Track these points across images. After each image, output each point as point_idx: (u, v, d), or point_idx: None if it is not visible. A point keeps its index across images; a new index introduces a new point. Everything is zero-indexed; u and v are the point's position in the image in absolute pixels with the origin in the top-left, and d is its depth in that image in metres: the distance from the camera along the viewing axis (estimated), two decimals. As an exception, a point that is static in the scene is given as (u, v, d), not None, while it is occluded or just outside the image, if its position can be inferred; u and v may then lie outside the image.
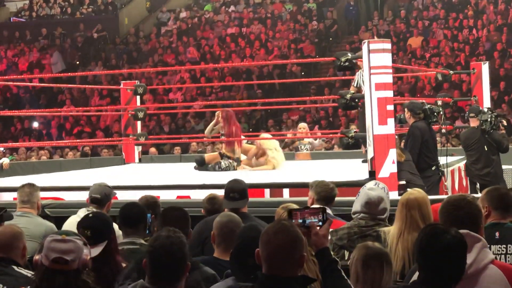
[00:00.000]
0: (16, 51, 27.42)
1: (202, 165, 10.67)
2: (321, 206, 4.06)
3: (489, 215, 4.56)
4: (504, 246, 4.51)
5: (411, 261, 4.56)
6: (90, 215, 4.64)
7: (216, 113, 11.07)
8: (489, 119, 9.94)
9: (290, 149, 14.99)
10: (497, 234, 4.46)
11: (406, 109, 9.18)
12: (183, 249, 3.53)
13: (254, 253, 3.55)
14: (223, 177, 8.85)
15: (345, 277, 3.64)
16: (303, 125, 13.35)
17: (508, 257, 4.47)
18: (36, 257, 3.69)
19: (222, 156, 10.58)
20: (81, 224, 4.46)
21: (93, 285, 3.71)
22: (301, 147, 13.13)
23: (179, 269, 3.51)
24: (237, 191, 6.01)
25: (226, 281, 3.86)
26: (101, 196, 6.40)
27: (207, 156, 10.94)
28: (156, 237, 3.55)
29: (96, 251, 4.17)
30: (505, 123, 10.68)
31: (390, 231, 4.81)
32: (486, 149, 10.01)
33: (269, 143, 10.61)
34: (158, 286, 3.47)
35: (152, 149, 16.75)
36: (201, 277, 4.04)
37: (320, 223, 3.74)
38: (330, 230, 4.32)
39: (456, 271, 3.41)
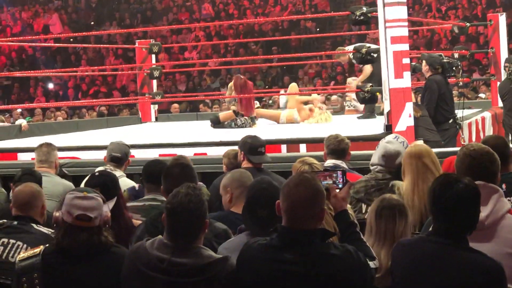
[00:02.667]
0: (30, 13, 27.38)
1: (217, 123, 10.69)
2: (341, 168, 4.05)
3: None
4: None
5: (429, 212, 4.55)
6: (97, 173, 4.68)
7: (228, 85, 11.15)
8: None
9: None
10: (503, 186, 4.41)
11: (424, 62, 9.11)
12: (201, 206, 3.53)
13: (265, 204, 3.56)
14: (238, 134, 8.86)
15: (364, 240, 3.65)
16: (350, 80, 13.17)
17: None
18: (57, 214, 3.71)
19: (236, 114, 10.59)
20: (89, 183, 4.50)
21: (114, 242, 3.73)
22: (347, 104, 13.13)
23: (197, 226, 3.51)
24: (262, 146, 6.13)
25: (240, 236, 3.86)
26: (121, 155, 6.43)
27: (222, 114, 10.95)
28: (175, 193, 3.55)
29: (109, 205, 4.20)
30: None
31: (403, 185, 4.78)
32: None
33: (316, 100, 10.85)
34: (176, 243, 3.48)
35: (175, 105, 16.77)
36: (211, 234, 4.04)
37: (340, 186, 3.74)
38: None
39: (469, 220, 3.41)
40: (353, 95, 12.70)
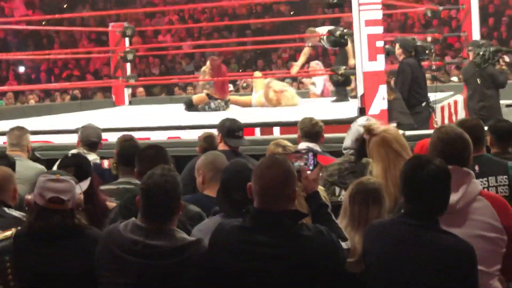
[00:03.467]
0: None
1: (190, 106, 10.67)
2: (311, 150, 4.05)
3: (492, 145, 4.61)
4: (486, 179, 4.55)
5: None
6: (69, 155, 4.68)
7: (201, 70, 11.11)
8: (482, 53, 9.80)
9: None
10: (476, 167, 4.45)
11: (397, 45, 9.14)
12: (177, 187, 3.53)
13: (240, 186, 3.56)
14: (212, 118, 8.86)
15: (335, 221, 3.64)
16: (313, 63, 13.21)
17: (491, 190, 4.49)
18: (29, 197, 3.69)
19: (210, 97, 10.56)
20: (62, 163, 4.49)
21: (87, 224, 3.72)
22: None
23: (172, 208, 3.51)
24: (240, 129, 6.17)
25: (214, 218, 3.86)
26: (98, 140, 6.44)
27: (195, 98, 10.91)
28: (150, 174, 3.54)
29: (83, 186, 4.18)
30: (507, 59, 10.45)
31: (374, 171, 4.73)
32: (479, 82, 9.87)
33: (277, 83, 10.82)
34: (150, 225, 3.47)
35: (140, 89, 16.64)
36: (185, 217, 4.03)
37: (311, 167, 3.74)
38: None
39: (440, 201, 3.43)
40: (313, 79, 12.86)
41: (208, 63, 10.94)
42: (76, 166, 4.38)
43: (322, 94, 13.07)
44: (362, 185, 3.97)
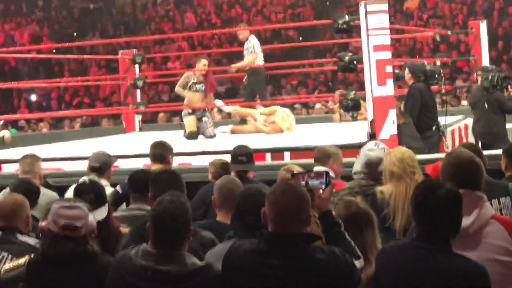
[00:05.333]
0: (12, 25, 27.30)
1: (192, 137, 10.77)
2: (324, 169, 4.06)
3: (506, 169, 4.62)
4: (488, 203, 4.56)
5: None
6: (87, 181, 4.69)
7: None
8: (490, 77, 9.79)
9: None
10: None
11: (406, 70, 9.15)
12: (186, 213, 3.55)
13: (253, 211, 3.58)
14: (225, 144, 8.88)
15: (349, 239, 3.65)
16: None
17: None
18: (42, 223, 3.72)
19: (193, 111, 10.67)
20: (81, 190, 4.50)
21: (99, 251, 3.74)
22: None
23: (182, 233, 3.52)
24: (244, 154, 6.15)
25: (227, 243, 3.86)
26: (100, 164, 6.45)
27: (188, 127, 10.93)
28: (159, 201, 3.56)
29: (102, 213, 4.22)
30: None
31: (391, 191, 4.78)
32: (486, 107, 9.87)
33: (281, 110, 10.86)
34: (160, 251, 3.48)
35: (161, 115, 16.73)
36: (198, 243, 4.04)
37: (323, 186, 3.75)
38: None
39: (452, 225, 3.43)
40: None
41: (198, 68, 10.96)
42: (95, 193, 4.41)
43: None
44: (350, 210, 3.95)
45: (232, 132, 11.23)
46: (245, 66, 11.96)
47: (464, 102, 15.56)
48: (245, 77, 11.97)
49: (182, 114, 10.86)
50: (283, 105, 11.71)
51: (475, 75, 10.77)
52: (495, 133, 9.77)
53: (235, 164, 6.16)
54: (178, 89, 11.09)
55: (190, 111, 10.75)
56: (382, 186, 4.87)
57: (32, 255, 3.73)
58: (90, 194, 4.32)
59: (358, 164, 5.20)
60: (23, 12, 28.04)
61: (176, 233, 3.51)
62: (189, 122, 10.89)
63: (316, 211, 3.75)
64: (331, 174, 5.74)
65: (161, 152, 6.48)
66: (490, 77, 9.73)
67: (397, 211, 4.65)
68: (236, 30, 11.92)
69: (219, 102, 11.82)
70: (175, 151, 9.02)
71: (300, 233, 3.36)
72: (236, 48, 21.15)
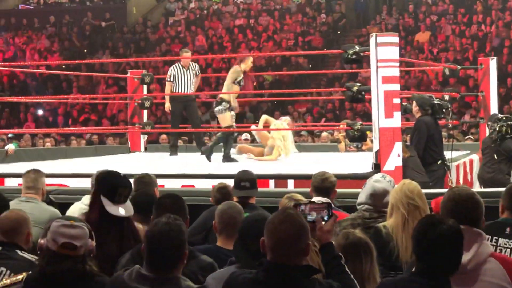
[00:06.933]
0: (24, 39, 27.43)
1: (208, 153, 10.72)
2: (326, 200, 4.04)
3: (503, 212, 4.60)
4: None
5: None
6: (121, 174, 4.60)
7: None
8: (497, 128, 9.80)
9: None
10: (508, 229, 4.48)
11: (414, 103, 9.15)
12: (181, 236, 3.53)
13: (256, 237, 3.56)
14: (229, 168, 8.87)
15: (348, 272, 3.63)
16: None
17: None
18: (41, 241, 3.69)
19: (221, 100, 10.60)
20: (119, 183, 4.41)
21: (97, 271, 3.72)
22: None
23: (177, 256, 3.51)
24: (247, 180, 6.14)
25: (229, 268, 3.85)
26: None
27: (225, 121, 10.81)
28: (155, 222, 3.56)
29: (131, 208, 4.23)
30: None
31: (392, 223, 4.78)
32: (496, 157, 9.84)
33: (277, 131, 10.74)
34: (154, 273, 3.46)
35: (163, 136, 16.75)
36: (197, 267, 4.03)
37: (326, 218, 3.73)
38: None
39: (452, 261, 3.42)
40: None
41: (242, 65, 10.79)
42: (130, 188, 4.47)
43: None
44: (349, 240, 3.95)
45: (239, 150, 11.19)
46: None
47: (470, 138, 15.55)
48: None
49: (216, 109, 10.67)
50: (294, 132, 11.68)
51: (486, 124, 10.79)
52: (498, 180, 9.71)
53: (238, 189, 6.14)
54: (230, 83, 10.89)
55: (227, 105, 10.60)
56: (386, 220, 4.86)
57: (30, 272, 3.71)
58: (127, 189, 4.31)
59: (363, 195, 5.19)
60: (35, 27, 28.17)
61: (171, 255, 3.49)
62: (226, 117, 10.77)
63: (317, 242, 3.74)
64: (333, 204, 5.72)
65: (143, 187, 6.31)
66: (498, 128, 9.76)
67: (402, 246, 4.63)
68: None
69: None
70: (180, 171, 9.05)
71: (299, 265, 3.33)
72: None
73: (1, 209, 4.90)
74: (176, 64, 12.08)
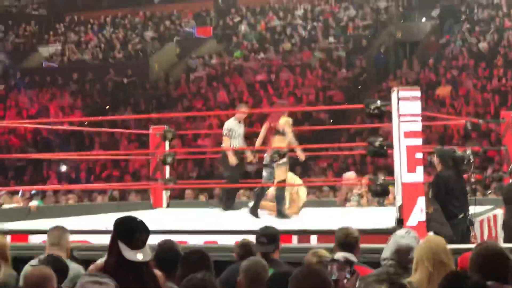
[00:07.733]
0: (47, 96, 27.71)
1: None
2: (349, 257, 4.04)
3: None
4: None
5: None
6: (138, 219, 4.60)
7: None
8: None
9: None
10: None
11: (435, 155, 9.14)
12: None
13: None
14: (250, 223, 8.86)
15: None
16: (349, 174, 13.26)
17: None
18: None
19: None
20: (138, 228, 4.40)
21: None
22: (352, 198, 13.03)
23: None
24: (265, 236, 6.11)
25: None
26: None
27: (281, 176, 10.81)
28: (191, 277, 3.59)
29: (149, 254, 4.23)
30: None
31: (417, 279, 4.74)
32: None
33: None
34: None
35: (188, 191, 16.79)
36: None
37: (347, 276, 3.73)
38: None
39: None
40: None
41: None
42: (148, 233, 4.40)
43: None
44: None
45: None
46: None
47: (493, 192, 15.44)
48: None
49: (269, 162, 10.67)
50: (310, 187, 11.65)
51: (508, 170, 10.75)
52: None
53: (257, 245, 6.14)
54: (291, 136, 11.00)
55: (284, 160, 10.61)
56: (411, 276, 4.82)
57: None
58: (144, 234, 4.31)
59: (387, 250, 5.17)
60: (58, 84, 28.47)
61: None
62: (284, 171, 10.73)
63: None
64: (353, 258, 5.69)
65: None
66: None
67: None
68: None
69: None
70: (203, 228, 9.03)
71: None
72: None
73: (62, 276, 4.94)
74: (232, 119, 12.12)
